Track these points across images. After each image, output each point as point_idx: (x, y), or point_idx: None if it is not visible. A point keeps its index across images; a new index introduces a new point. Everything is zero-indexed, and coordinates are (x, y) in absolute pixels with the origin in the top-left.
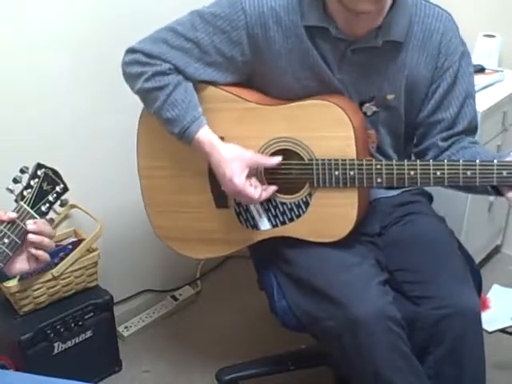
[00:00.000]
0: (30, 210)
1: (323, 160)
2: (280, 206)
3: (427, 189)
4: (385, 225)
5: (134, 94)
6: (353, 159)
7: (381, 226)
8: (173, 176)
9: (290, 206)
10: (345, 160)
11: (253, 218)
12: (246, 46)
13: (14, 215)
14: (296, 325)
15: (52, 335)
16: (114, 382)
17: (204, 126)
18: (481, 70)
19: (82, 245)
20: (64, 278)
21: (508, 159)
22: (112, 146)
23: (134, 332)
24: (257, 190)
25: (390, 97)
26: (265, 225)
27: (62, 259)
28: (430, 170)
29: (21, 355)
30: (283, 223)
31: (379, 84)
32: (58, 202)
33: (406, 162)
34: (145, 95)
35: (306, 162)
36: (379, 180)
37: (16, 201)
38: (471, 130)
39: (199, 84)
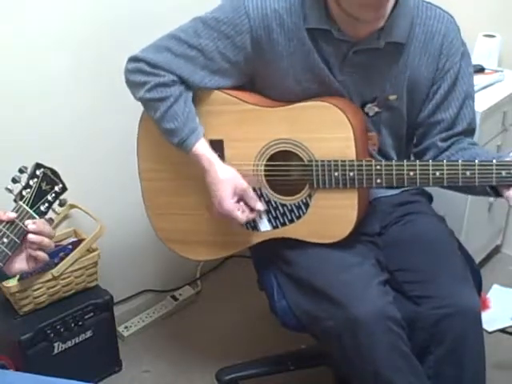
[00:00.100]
0: (29, 210)
1: (323, 161)
2: (280, 208)
3: (427, 189)
4: (385, 224)
5: (136, 100)
6: (352, 160)
7: (381, 226)
8: (173, 179)
9: (290, 208)
10: (344, 161)
11: (253, 219)
12: (250, 50)
13: (13, 215)
14: (296, 325)
15: (52, 335)
16: (114, 382)
17: (201, 138)
18: (481, 70)
19: (82, 245)
20: (64, 278)
21: (507, 159)
22: (112, 146)
23: (133, 332)
24: (243, 214)
25: (392, 97)
26: (265, 226)
27: (61, 259)
28: (429, 170)
29: (21, 355)
30: (283, 224)
31: (381, 85)
32: (57, 202)
33: (405, 163)
34: (146, 104)
35: (306, 163)
36: (379, 181)
37: (15, 200)
38: (470, 130)
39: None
